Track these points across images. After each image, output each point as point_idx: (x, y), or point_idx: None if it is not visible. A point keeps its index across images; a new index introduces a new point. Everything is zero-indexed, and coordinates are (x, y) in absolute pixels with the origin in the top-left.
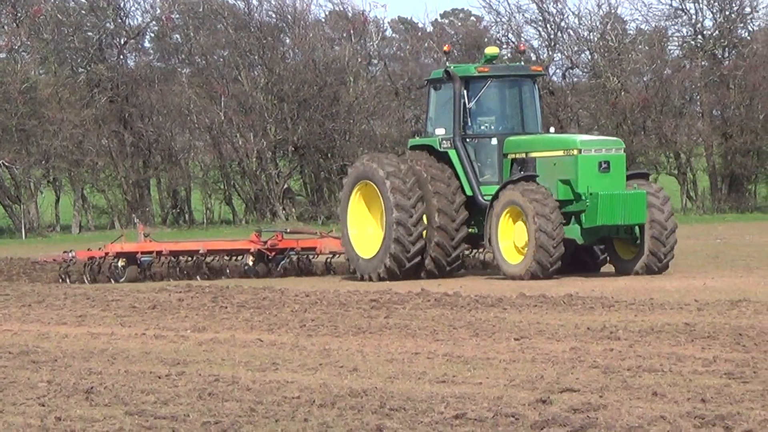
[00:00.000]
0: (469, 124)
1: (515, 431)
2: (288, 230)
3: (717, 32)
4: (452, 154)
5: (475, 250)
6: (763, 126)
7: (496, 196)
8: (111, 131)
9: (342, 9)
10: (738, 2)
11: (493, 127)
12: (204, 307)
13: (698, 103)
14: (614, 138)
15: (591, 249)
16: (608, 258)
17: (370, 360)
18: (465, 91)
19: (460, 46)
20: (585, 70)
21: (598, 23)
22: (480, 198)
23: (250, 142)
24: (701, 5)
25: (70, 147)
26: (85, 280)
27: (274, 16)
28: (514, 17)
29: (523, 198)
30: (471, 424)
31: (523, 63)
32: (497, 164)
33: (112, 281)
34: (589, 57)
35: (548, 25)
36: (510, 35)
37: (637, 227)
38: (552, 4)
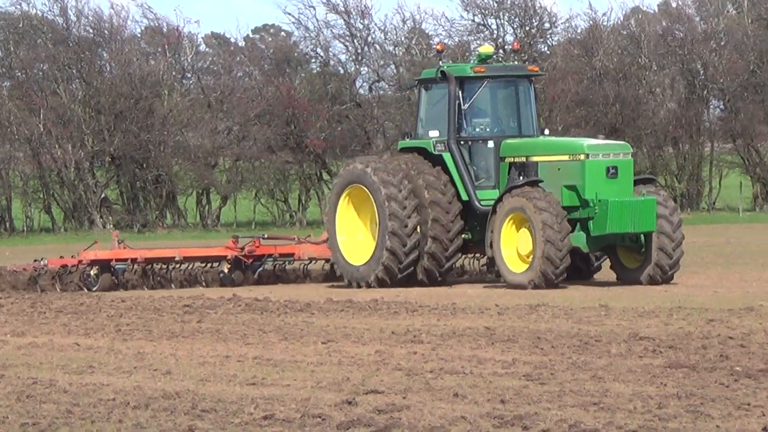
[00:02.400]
0: (464, 126)
1: (322, 431)
2: (265, 236)
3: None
4: (447, 157)
5: (464, 257)
6: (562, 135)
7: (499, 201)
8: None
9: (157, 24)
10: (538, 18)
11: (488, 130)
12: (23, 313)
13: None
14: (622, 142)
15: (587, 256)
16: (611, 266)
17: (182, 363)
18: (460, 92)
19: (271, 60)
20: (391, 83)
21: (403, 38)
22: (476, 203)
23: (69, 152)
24: (502, 21)
25: None
26: (57, 289)
27: (91, 31)
28: (323, 32)
29: (530, 205)
30: (279, 425)
31: (517, 63)
32: (493, 168)
33: (85, 290)
34: (395, 70)
35: (355, 40)
36: (319, 50)
37: (642, 235)
38: (359, 19)
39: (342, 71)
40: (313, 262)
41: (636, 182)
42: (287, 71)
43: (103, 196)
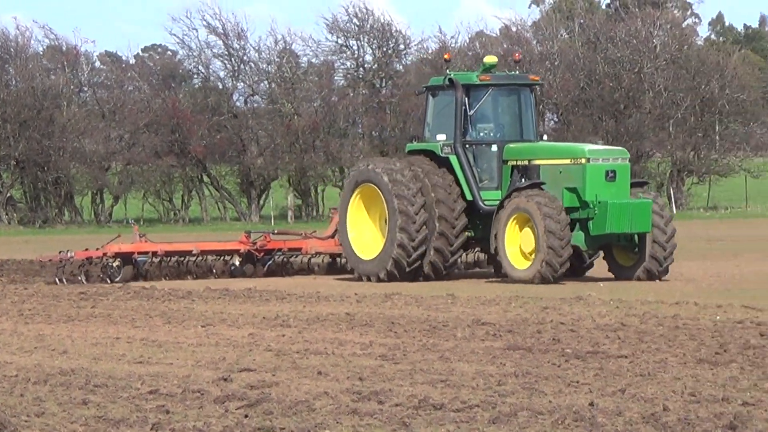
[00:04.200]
0: (469, 130)
1: (201, 405)
2: (275, 231)
3: (376, 65)
4: (453, 159)
5: (465, 253)
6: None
7: (502, 203)
8: None
9: (57, 44)
10: (393, 40)
11: (492, 134)
12: None
13: (360, 125)
14: (620, 148)
15: (580, 255)
16: (608, 268)
17: (78, 344)
18: (466, 99)
19: (158, 76)
20: (264, 97)
21: (275, 57)
22: (480, 203)
23: None
24: (362, 42)
25: None
26: (82, 281)
27: None
28: (204, 52)
29: (533, 206)
30: (163, 399)
31: (517, 72)
32: (496, 170)
33: (108, 281)
34: (268, 86)
35: (233, 59)
36: (200, 67)
37: (636, 235)
38: (236, 40)
39: (221, 86)
40: (318, 255)
41: (631, 185)
42: (173, 86)
43: (8, 195)
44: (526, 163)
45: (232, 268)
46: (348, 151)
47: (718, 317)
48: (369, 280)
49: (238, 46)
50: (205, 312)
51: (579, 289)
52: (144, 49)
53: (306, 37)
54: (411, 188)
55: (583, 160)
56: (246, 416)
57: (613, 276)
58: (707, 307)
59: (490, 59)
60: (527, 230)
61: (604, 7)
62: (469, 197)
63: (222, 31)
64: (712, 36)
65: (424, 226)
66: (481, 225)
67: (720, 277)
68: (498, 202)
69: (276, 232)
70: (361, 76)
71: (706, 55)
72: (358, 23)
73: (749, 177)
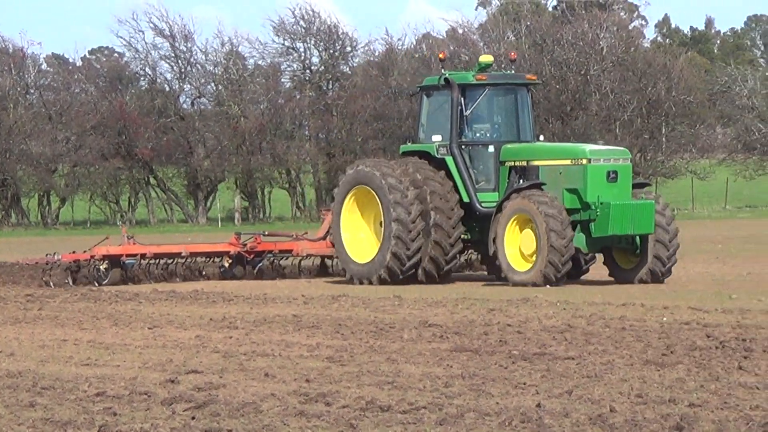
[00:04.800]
0: (465, 131)
1: (148, 407)
2: (266, 233)
3: (323, 67)
4: (449, 160)
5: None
6: (361, 147)
7: (503, 203)
8: None
9: (3, 46)
10: (340, 42)
11: (488, 135)
12: None
13: (306, 127)
14: (621, 148)
15: (577, 258)
16: (604, 261)
17: (25, 346)
18: (462, 99)
19: (105, 78)
20: (211, 99)
21: (222, 59)
22: (477, 205)
23: None
24: (309, 44)
25: None
26: (69, 283)
27: None
28: (151, 54)
29: (534, 207)
30: (110, 401)
31: (514, 71)
32: (493, 171)
33: (96, 284)
34: (214, 88)
35: (179, 61)
36: (147, 69)
37: (637, 237)
38: (182, 42)
39: (168, 88)
40: (308, 257)
41: (633, 186)
42: (119, 88)
43: None
44: (525, 164)
45: (222, 270)
46: (294, 153)
47: (664, 319)
48: (361, 283)
49: (184, 48)
50: (152, 314)
51: (525, 290)
52: (91, 51)
53: (252, 39)
54: (408, 195)
55: (584, 161)
56: (193, 418)
57: (612, 278)
58: (654, 308)
59: (486, 58)
60: (528, 231)
61: (550, 9)
62: (465, 199)
63: (169, 33)
64: (659, 38)
65: (420, 235)
66: (477, 227)
67: (666, 279)
68: (495, 204)
69: (266, 233)
70: (307, 78)
71: (653, 57)
72: (304, 25)
73: (695, 179)
